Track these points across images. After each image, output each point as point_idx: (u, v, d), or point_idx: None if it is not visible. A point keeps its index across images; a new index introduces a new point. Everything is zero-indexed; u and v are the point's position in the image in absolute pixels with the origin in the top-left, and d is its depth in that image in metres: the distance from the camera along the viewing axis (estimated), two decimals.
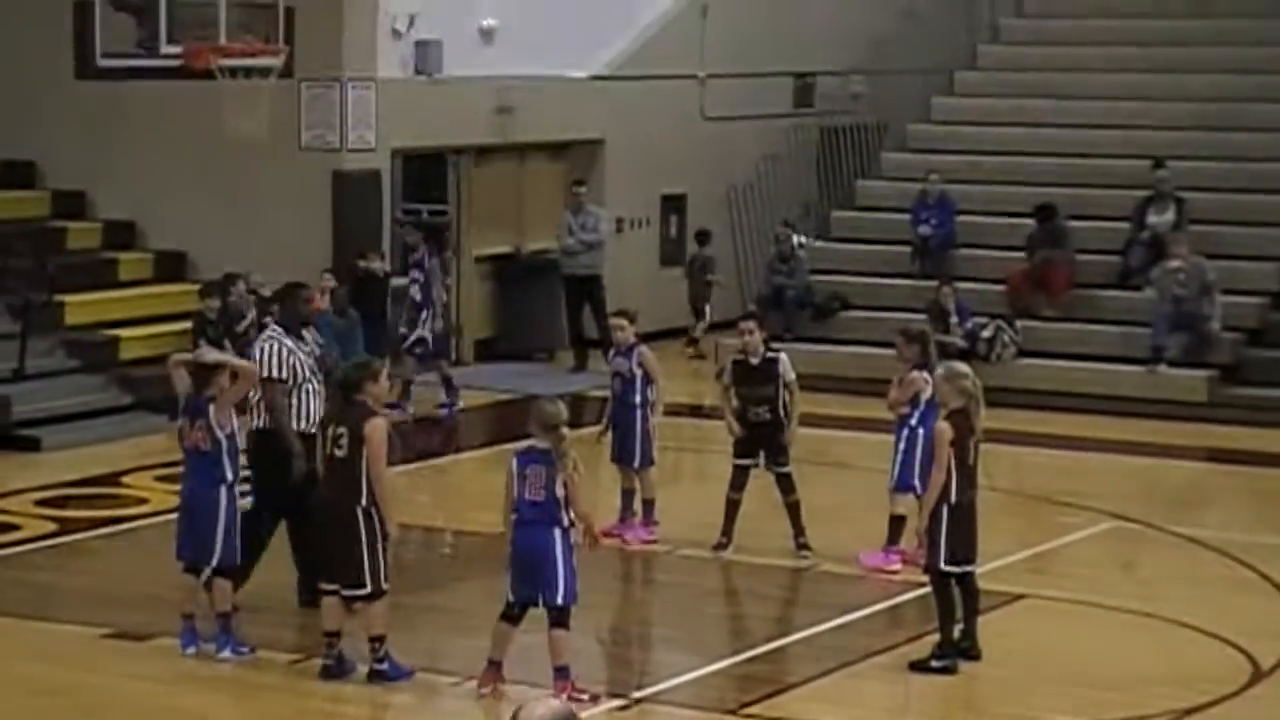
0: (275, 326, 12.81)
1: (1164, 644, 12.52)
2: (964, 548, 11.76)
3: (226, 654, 11.68)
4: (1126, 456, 18.30)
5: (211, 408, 11.69)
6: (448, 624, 12.48)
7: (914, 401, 13.70)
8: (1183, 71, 24.19)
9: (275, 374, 12.41)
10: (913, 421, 13.72)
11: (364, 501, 11.20)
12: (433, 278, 20.00)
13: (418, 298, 19.85)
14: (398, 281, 20.31)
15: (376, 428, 11.27)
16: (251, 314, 19.45)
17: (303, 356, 12.54)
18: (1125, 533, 15.46)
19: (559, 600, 10.92)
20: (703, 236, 23.86)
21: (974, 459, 11.74)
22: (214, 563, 11.73)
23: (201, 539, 11.71)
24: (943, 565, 11.72)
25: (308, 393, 12.46)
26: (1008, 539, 14.41)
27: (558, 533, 10.90)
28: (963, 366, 12.17)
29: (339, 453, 11.23)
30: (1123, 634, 12.76)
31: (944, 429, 11.71)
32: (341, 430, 11.25)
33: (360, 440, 11.19)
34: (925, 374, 13.58)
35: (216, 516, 11.67)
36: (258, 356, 12.44)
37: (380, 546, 11.27)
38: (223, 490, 11.70)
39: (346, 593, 11.31)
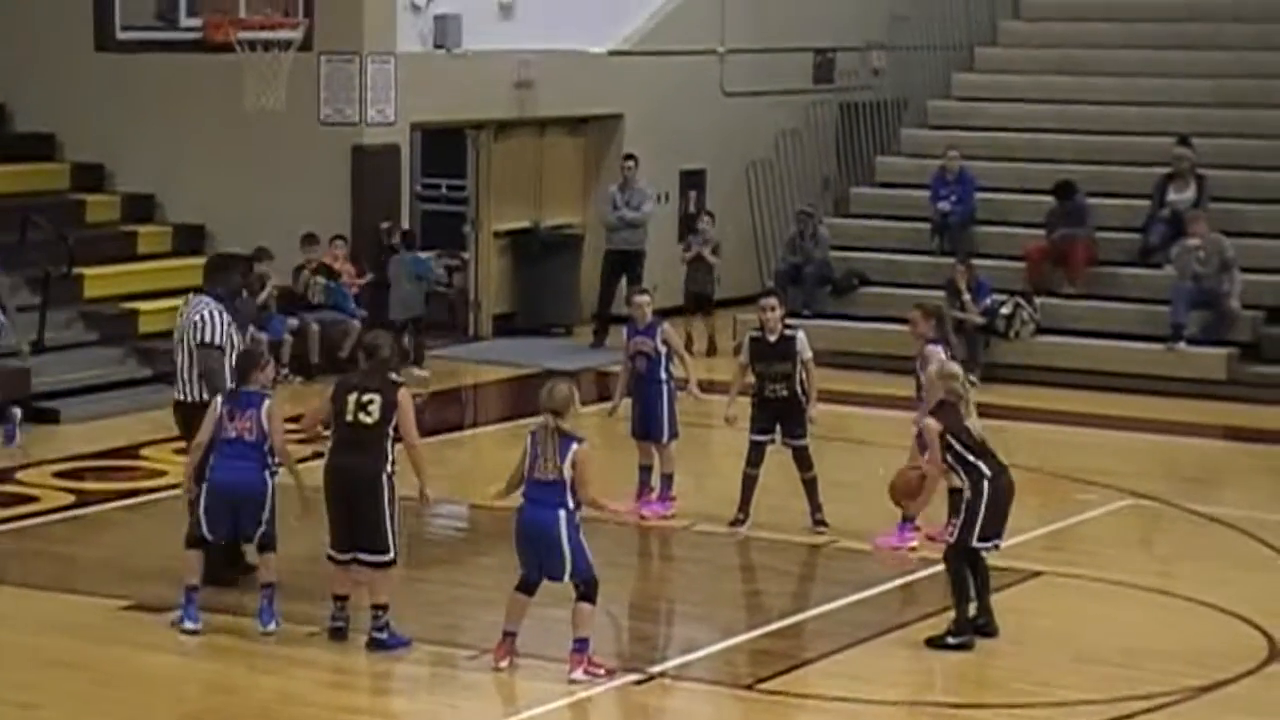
0: (206, 296, 12.66)
1: (1181, 622, 12.50)
2: (995, 526, 11.84)
3: (273, 626, 11.74)
4: (1145, 434, 18.24)
5: (266, 403, 11.75)
6: (464, 598, 12.49)
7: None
8: (1204, 48, 24.05)
9: (215, 341, 12.46)
10: None
11: (389, 468, 11.31)
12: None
13: None
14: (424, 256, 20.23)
15: (407, 395, 11.39)
16: (267, 289, 19.47)
17: (235, 326, 12.61)
18: (1143, 510, 15.43)
19: (566, 578, 10.95)
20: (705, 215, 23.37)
21: (982, 438, 11.83)
22: (257, 539, 11.84)
23: (248, 519, 11.78)
24: (974, 542, 11.76)
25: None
26: (1025, 516, 14.32)
27: (563, 514, 10.93)
28: (956, 367, 12.37)
29: (366, 419, 11.30)
30: (1140, 611, 12.74)
31: (932, 425, 11.83)
32: (371, 397, 11.31)
33: (393, 406, 11.27)
34: (940, 349, 13.60)
35: (266, 499, 11.78)
36: (196, 323, 12.46)
37: (399, 513, 11.36)
38: (267, 475, 11.83)
39: (366, 558, 11.35)
